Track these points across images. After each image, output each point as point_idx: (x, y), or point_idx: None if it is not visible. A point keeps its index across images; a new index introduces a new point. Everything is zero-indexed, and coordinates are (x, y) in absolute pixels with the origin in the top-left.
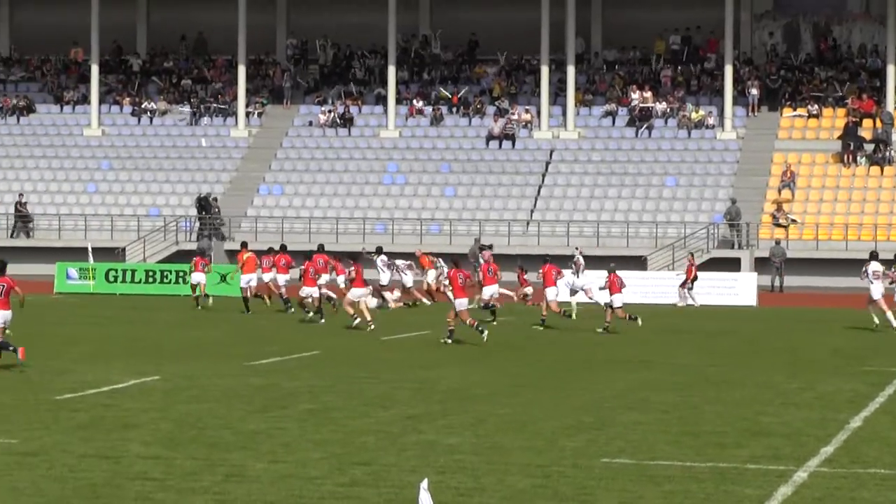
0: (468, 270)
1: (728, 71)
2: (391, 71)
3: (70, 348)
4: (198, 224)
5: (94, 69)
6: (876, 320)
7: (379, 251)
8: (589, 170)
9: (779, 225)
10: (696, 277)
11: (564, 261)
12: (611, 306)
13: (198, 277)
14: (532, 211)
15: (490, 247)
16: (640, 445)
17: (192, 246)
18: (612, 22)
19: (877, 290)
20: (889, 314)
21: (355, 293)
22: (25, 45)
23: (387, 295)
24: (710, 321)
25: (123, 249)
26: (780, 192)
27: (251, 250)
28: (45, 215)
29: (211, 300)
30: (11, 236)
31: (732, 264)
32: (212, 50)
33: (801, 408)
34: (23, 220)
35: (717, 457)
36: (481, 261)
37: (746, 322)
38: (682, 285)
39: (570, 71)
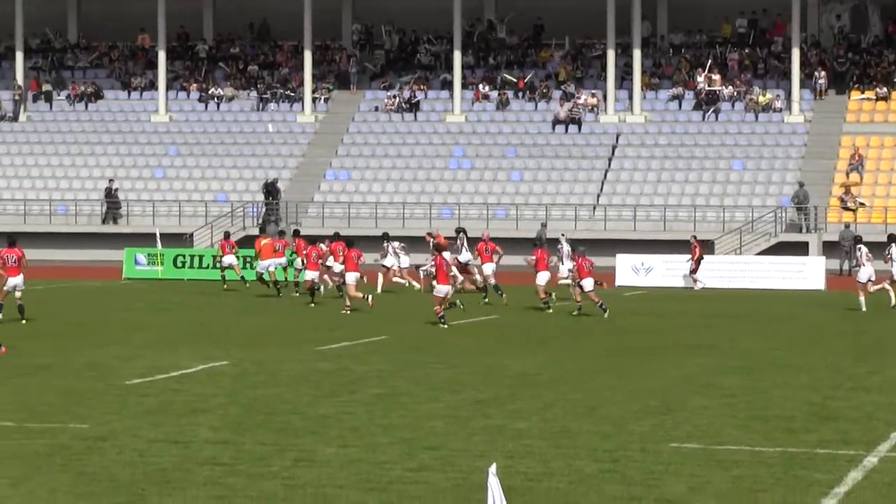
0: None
1: (795, 54)
2: (457, 56)
3: (139, 334)
4: (264, 209)
5: (161, 55)
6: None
7: (386, 237)
8: (656, 154)
9: (847, 208)
10: (701, 258)
11: (631, 246)
12: (581, 287)
13: (228, 260)
14: (598, 195)
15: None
16: (707, 430)
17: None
18: (679, 5)
19: None
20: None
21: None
22: (93, 32)
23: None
24: (777, 305)
25: (191, 235)
26: (847, 175)
27: (269, 236)
28: (113, 201)
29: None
30: (103, 222)
31: (800, 248)
32: (278, 36)
33: (870, 392)
34: (113, 206)
35: (785, 441)
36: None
37: (814, 306)
38: (692, 271)
39: (637, 54)
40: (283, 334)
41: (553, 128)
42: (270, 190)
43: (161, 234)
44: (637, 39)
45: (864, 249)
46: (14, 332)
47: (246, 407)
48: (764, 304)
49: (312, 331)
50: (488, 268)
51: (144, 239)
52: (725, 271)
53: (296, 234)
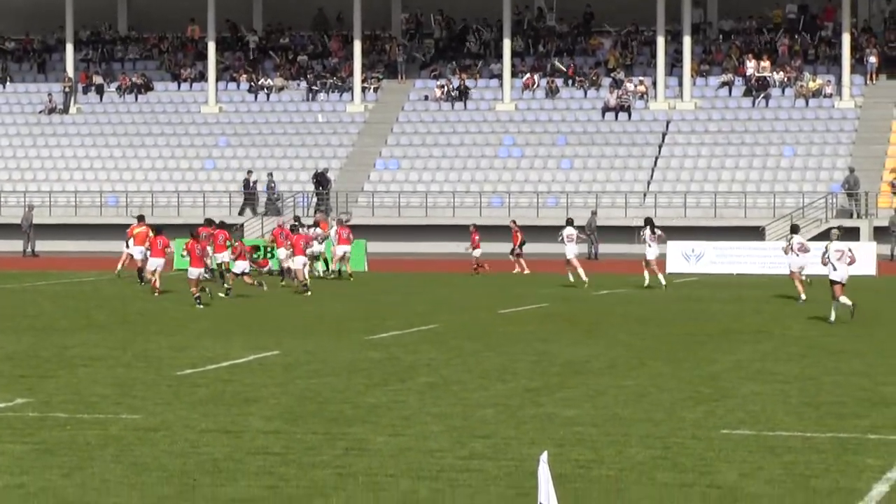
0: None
1: (846, 39)
2: (506, 44)
3: (190, 324)
4: (315, 199)
5: (211, 46)
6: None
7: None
8: (706, 140)
9: None
10: (523, 241)
11: (681, 233)
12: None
13: (220, 257)
14: (649, 182)
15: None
16: (759, 416)
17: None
18: None
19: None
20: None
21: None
22: (143, 24)
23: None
24: (827, 291)
25: (242, 226)
26: None
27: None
28: (163, 192)
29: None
30: (240, 213)
31: (851, 234)
32: (330, 26)
33: None
34: (250, 198)
35: (837, 427)
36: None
37: (865, 292)
38: (512, 252)
39: (686, 41)
40: (333, 323)
41: (603, 115)
42: (321, 180)
43: None
44: (687, 26)
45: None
46: (69, 324)
47: (297, 396)
48: (815, 291)
49: (362, 320)
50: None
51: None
52: (776, 257)
53: (294, 229)
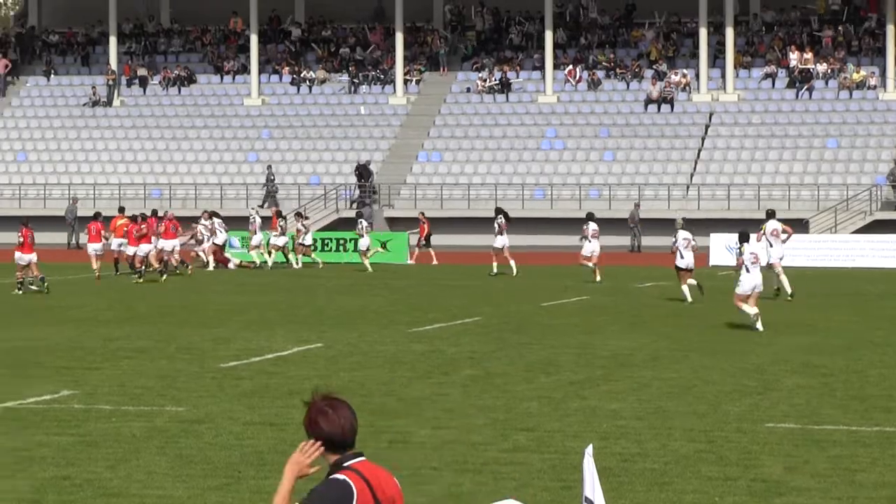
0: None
1: (890, 30)
2: (548, 36)
3: (233, 316)
4: (357, 192)
5: (254, 39)
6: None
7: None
8: (749, 132)
9: None
10: (430, 234)
11: (725, 225)
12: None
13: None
14: (692, 175)
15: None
16: (804, 410)
17: (353, 214)
18: None
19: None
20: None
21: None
22: (185, 16)
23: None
24: (873, 284)
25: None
26: None
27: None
28: (206, 185)
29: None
30: (262, 206)
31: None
32: (368, 17)
33: None
34: (271, 188)
35: (883, 421)
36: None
37: None
38: (418, 243)
39: (729, 33)
40: (376, 315)
41: (645, 107)
42: (363, 172)
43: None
44: (729, 17)
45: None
46: (113, 316)
47: (341, 389)
48: (860, 283)
49: (405, 312)
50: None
51: (238, 222)
52: (821, 250)
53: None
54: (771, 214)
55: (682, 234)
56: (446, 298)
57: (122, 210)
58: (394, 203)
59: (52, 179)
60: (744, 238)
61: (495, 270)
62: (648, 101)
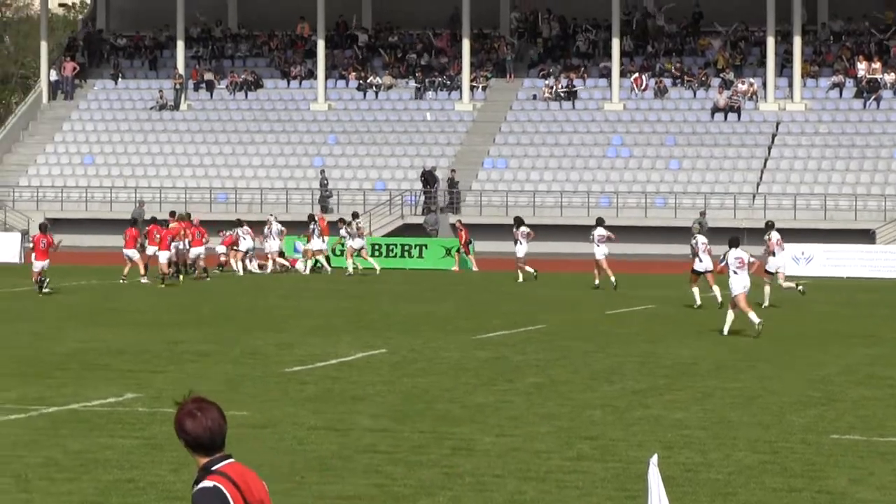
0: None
1: None
2: (615, 44)
3: (298, 321)
4: (423, 198)
5: (321, 44)
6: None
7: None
8: (816, 142)
9: None
10: (469, 241)
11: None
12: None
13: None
14: (758, 184)
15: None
16: (869, 421)
17: (419, 220)
18: None
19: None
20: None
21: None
22: (253, 21)
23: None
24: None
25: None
26: None
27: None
28: (272, 189)
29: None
30: (323, 211)
31: None
32: (435, 23)
33: None
34: (324, 193)
35: None
36: (698, 239)
37: None
38: (458, 250)
39: (797, 42)
40: (440, 322)
41: (712, 116)
42: (428, 178)
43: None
44: (797, 26)
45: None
46: (178, 319)
47: (405, 395)
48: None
49: (469, 319)
50: None
51: (302, 227)
52: (887, 261)
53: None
54: (734, 243)
55: (701, 239)
56: (510, 305)
57: (172, 214)
58: (460, 209)
59: (118, 183)
60: (733, 243)
61: (597, 282)
62: (715, 109)
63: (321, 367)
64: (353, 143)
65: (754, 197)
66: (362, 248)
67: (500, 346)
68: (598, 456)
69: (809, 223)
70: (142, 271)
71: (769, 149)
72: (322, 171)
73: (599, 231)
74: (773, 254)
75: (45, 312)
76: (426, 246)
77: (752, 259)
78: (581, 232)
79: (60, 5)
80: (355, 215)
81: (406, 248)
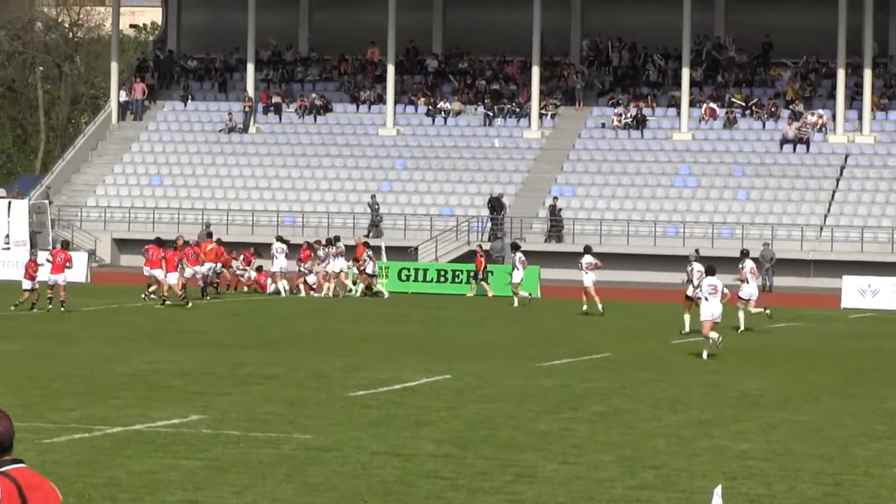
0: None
1: None
2: (685, 73)
3: (363, 345)
4: (489, 224)
5: (391, 69)
6: None
7: (280, 239)
8: (885, 175)
9: None
10: (485, 268)
11: (858, 268)
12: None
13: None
14: (825, 216)
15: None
16: None
17: (485, 246)
18: None
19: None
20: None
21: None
22: (323, 46)
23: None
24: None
25: (416, 248)
26: None
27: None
28: (339, 213)
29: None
30: (367, 235)
31: None
32: (505, 50)
33: None
34: (375, 218)
35: None
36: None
37: None
38: (475, 276)
39: (867, 74)
40: (505, 348)
41: (781, 147)
42: (495, 205)
43: (386, 247)
44: (868, 59)
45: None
46: (243, 341)
47: (468, 421)
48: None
49: (534, 346)
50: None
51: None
52: None
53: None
54: (710, 271)
55: (697, 266)
56: (575, 333)
57: (210, 235)
58: (525, 237)
59: (185, 204)
60: (710, 272)
61: (585, 308)
62: (784, 140)
63: (385, 392)
64: (421, 169)
65: (821, 229)
66: (342, 270)
67: (565, 374)
68: (661, 485)
69: (877, 256)
70: (164, 292)
71: (837, 181)
72: (373, 196)
73: (587, 259)
74: (746, 281)
75: (110, 332)
76: (492, 272)
77: (725, 290)
78: (648, 261)
79: (132, 26)
80: (336, 238)
81: (471, 273)
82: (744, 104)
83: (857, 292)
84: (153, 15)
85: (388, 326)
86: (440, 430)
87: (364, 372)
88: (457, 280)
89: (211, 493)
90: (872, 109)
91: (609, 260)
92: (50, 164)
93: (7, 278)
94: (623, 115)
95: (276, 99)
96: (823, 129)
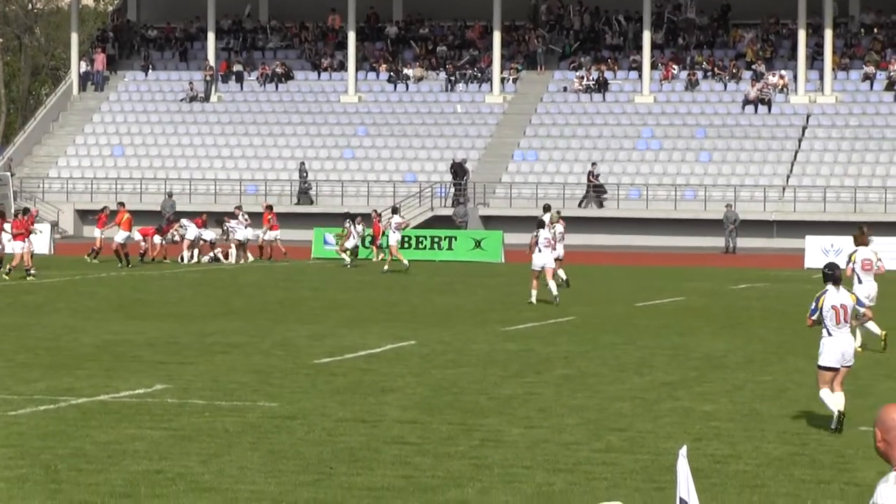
0: None
1: None
2: (646, 36)
3: (327, 313)
4: (453, 190)
5: (351, 36)
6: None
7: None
8: (846, 135)
9: None
10: (384, 232)
11: (820, 227)
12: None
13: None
14: (788, 176)
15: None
16: None
17: (448, 212)
18: None
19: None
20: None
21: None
22: (284, 13)
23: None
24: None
25: (379, 215)
26: None
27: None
28: (301, 181)
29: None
30: (298, 202)
31: None
32: (468, 15)
33: None
34: (303, 185)
35: None
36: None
37: None
38: (373, 241)
39: (828, 34)
40: (470, 314)
41: (742, 108)
42: (458, 170)
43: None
44: (828, 19)
45: None
46: (208, 311)
47: (433, 387)
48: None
49: (498, 311)
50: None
51: (333, 219)
52: None
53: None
54: (541, 224)
55: (544, 234)
56: (539, 297)
57: (122, 204)
58: (489, 202)
59: (148, 174)
60: (540, 225)
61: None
62: (746, 102)
63: (351, 359)
64: (384, 136)
65: (784, 189)
66: (247, 240)
67: (529, 338)
68: (627, 448)
69: (839, 215)
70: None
71: (799, 141)
72: (302, 163)
73: (396, 218)
74: (539, 250)
75: (75, 303)
76: (455, 238)
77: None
78: (612, 224)
79: None
80: (239, 208)
81: (436, 239)
82: (704, 62)
83: (820, 252)
84: None
85: (353, 293)
86: (406, 395)
87: (330, 339)
88: (420, 246)
89: (176, 462)
90: (833, 69)
91: (573, 223)
92: (11, 135)
93: None
94: (585, 79)
95: (237, 67)
96: (785, 89)
